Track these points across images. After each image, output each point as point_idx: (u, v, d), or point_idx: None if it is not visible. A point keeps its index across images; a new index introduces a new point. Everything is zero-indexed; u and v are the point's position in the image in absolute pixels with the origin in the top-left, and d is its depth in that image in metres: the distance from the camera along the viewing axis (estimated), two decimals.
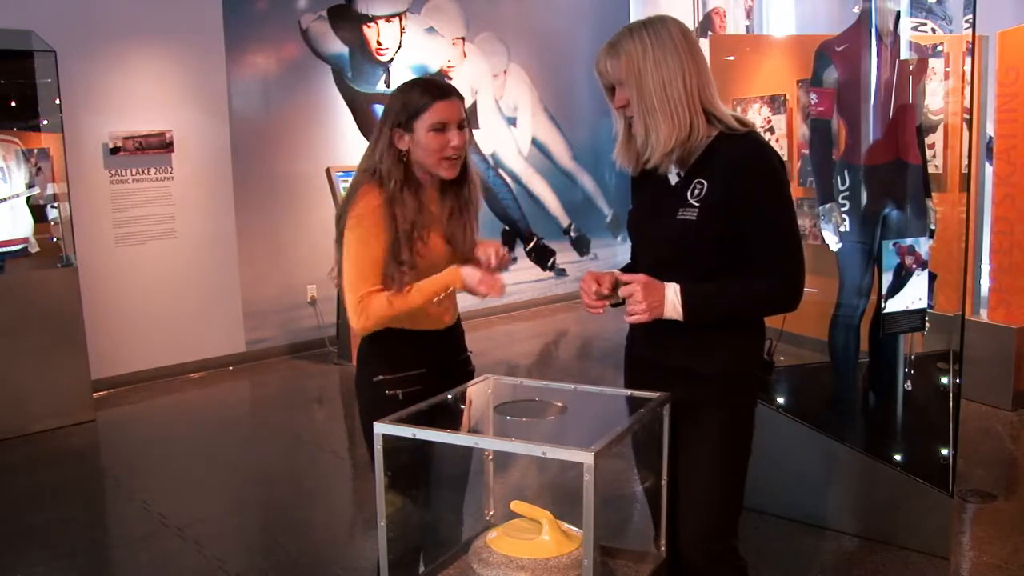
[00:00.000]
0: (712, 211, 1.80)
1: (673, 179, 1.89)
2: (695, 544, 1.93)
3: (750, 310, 1.88)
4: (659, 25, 1.84)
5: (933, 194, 3.32)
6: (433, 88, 2.02)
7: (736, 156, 1.81)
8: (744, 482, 1.95)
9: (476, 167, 2.20)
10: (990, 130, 4.81)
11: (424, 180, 2.07)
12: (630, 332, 2.04)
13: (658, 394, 1.83)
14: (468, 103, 2.17)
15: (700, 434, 1.89)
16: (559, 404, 1.99)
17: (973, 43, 3.05)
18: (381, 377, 2.08)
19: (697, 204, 1.82)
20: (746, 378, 1.94)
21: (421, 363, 2.07)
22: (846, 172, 3.37)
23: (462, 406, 2.00)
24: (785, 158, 3.64)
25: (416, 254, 2.01)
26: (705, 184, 1.82)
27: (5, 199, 4.88)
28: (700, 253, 1.84)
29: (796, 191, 3.68)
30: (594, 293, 1.85)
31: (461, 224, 2.12)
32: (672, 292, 1.78)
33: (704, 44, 3.50)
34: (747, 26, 4.68)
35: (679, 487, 1.93)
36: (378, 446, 1.69)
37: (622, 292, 1.80)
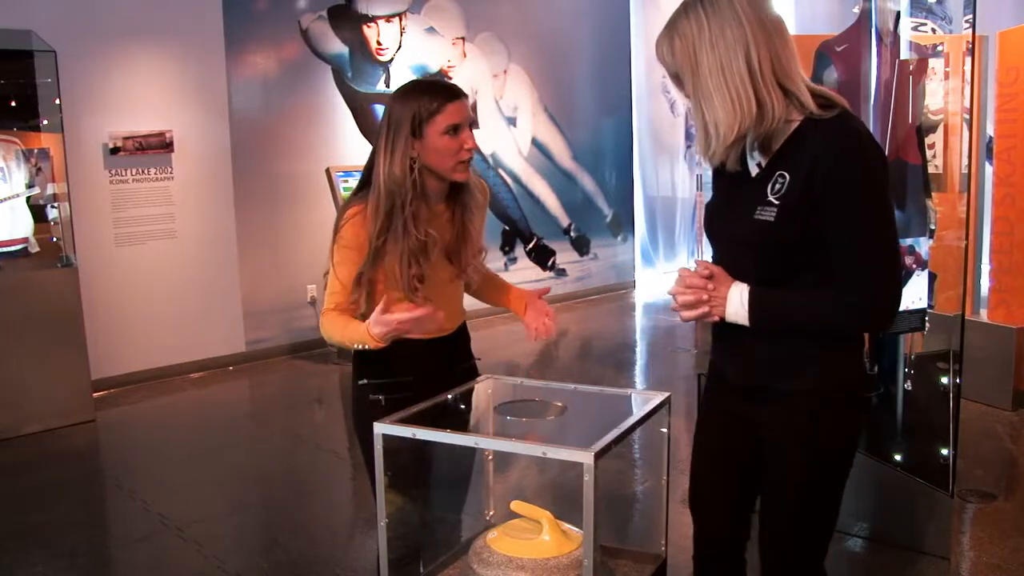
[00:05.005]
0: (792, 211, 1.57)
1: (754, 169, 1.66)
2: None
3: (821, 326, 1.63)
4: None
5: (933, 194, 3.32)
6: (442, 90, 1.95)
7: (820, 147, 1.55)
8: (838, 510, 1.76)
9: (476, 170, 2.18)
10: (990, 130, 4.81)
11: (432, 189, 2.01)
12: (714, 346, 1.84)
13: (657, 394, 1.83)
14: (468, 103, 2.13)
15: (787, 461, 1.71)
16: (559, 404, 1.99)
17: (973, 43, 3.05)
18: (366, 380, 2.06)
19: (777, 202, 1.58)
20: (841, 395, 1.69)
21: (410, 370, 2.02)
22: None
23: (462, 406, 2.00)
24: None
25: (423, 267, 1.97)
26: (787, 178, 1.58)
27: (5, 199, 4.88)
28: (776, 259, 1.61)
29: None
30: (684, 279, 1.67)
31: (464, 233, 2.07)
32: (737, 293, 1.60)
33: None
34: None
35: (763, 513, 1.79)
36: (378, 446, 1.69)
37: (680, 271, 1.62)
